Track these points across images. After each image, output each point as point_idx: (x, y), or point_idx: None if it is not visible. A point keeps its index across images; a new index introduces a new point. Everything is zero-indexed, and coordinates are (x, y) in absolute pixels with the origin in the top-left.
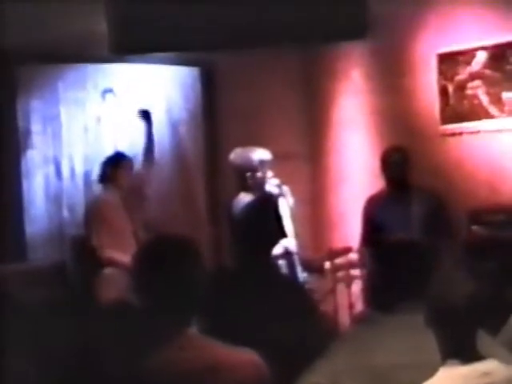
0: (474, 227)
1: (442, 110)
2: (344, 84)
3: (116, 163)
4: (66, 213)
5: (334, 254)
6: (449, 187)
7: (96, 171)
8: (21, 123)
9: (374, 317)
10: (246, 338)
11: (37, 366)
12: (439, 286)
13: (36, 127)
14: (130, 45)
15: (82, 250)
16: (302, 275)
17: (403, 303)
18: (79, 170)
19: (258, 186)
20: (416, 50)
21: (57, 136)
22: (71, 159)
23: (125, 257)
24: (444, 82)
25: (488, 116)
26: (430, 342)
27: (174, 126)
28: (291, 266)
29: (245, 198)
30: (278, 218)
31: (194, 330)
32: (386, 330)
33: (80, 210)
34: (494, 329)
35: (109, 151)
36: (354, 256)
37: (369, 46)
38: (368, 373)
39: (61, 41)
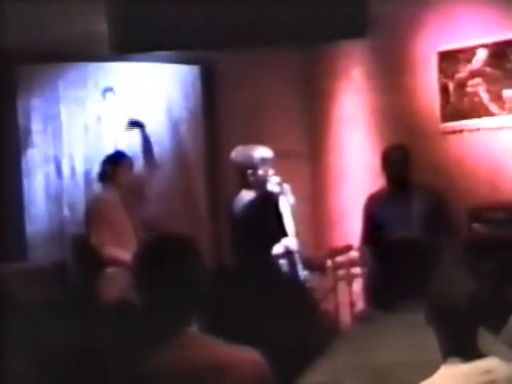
0: (475, 225)
1: (443, 108)
2: (344, 83)
3: (116, 162)
4: (66, 212)
5: (334, 253)
6: (449, 185)
7: (96, 170)
8: (21, 122)
9: (374, 315)
10: (246, 336)
11: (37, 366)
12: (440, 284)
13: (36, 126)
14: (130, 43)
15: (82, 249)
16: (302, 273)
17: (404, 301)
18: (80, 168)
19: (259, 184)
20: (416, 48)
21: (57, 135)
22: (72, 158)
23: (126, 255)
24: (444, 80)
25: (488, 114)
26: (430, 341)
27: (174, 125)
28: (292, 264)
29: (246, 195)
30: (279, 217)
31: (194, 329)
32: (386, 328)
33: (80, 208)
34: (495, 327)
35: (109, 150)
36: (354, 254)
37: (369, 44)
38: (369, 371)
39: (61, 40)
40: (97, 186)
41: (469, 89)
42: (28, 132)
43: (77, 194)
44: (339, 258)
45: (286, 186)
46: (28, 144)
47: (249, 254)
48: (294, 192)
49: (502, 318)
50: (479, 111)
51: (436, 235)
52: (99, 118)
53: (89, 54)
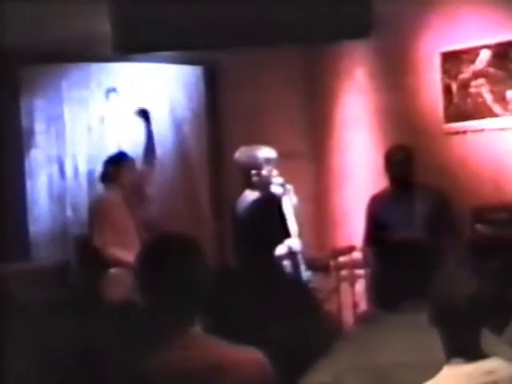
0: (478, 226)
1: (446, 109)
2: (347, 83)
3: (118, 162)
4: (69, 212)
5: (337, 253)
6: (453, 186)
7: (99, 171)
8: (24, 123)
9: (377, 316)
10: (249, 336)
11: (40, 367)
12: (443, 284)
13: (39, 127)
14: (133, 44)
15: (85, 249)
16: (305, 274)
17: (407, 302)
18: (83, 169)
19: (262, 184)
20: (419, 49)
21: (60, 135)
22: (75, 158)
23: (128, 255)
24: (448, 81)
25: (492, 114)
26: (433, 341)
27: (177, 125)
28: (295, 265)
29: (249, 196)
30: (282, 217)
31: (197, 329)
32: (389, 328)
33: (83, 209)
34: (498, 328)
35: (112, 150)
36: (357, 255)
37: (372, 44)
38: (371, 372)
39: (64, 40)
40: (99, 187)
41: (472, 89)
42: (31, 132)
43: (80, 194)
44: (342, 259)
45: (289, 187)
46: (31, 144)
47: (252, 254)
48: (297, 192)
49: (505, 318)
50: (483, 112)
51: (439, 236)
52: (102, 119)
53: (92, 55)
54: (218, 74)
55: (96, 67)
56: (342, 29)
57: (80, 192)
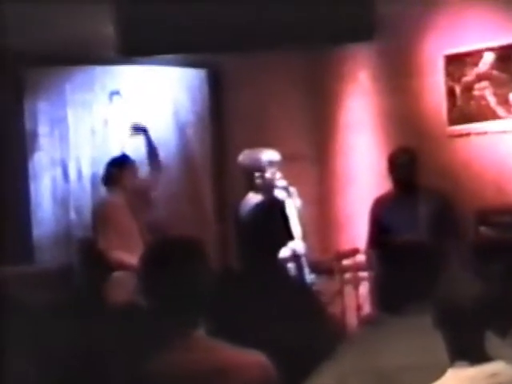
0: (482, 228)
1: (450, 111)
2: (351, 86)
3: (120, 165)
4: (73, 215)
5: (341, 256)
6: (456, 188)
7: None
8: (28, 125)
9: (381, 318)
10: (253, 339)
11: (42, 370)
12: (446, 287)
13: (43, 129)
14: (137, 47)
15: (89, 252)
16: (309, 277)
17: (410, 305)
18: (86, 172)
19: (266, 187)
20: (423, 52)
21: (64, 138)
22: (78, 161)
23: (132, 258)
24: (451, 83)
25: (495, 117)
26: (437, 344)
27: (181, 128)
28: (299, 267)
29: (253, 198)
30: (286, 220)
31: (200, 332)
32: (393, 331)
33: (87, 212)
34: (502, 330)
35: (116, 153)
36: (361, 257)
37: (376, 47)
38: (375, 374)
39: (68, 43)
40: (103, 190)
41: (476, 92)
42: (35, 135)
43: (83, 197)
44: (346, 262)
45: (293, 189)
46: (35, 147)
47: (255, 257)
48: (301, 195)
49: (509, 321)
50: (486, 114)
51: (443, 238)
52: (106, 121)
53: (96, 57)
54: (221, 77)
55: (100, 70)
56: (345, 31)
57: (84, 195)
